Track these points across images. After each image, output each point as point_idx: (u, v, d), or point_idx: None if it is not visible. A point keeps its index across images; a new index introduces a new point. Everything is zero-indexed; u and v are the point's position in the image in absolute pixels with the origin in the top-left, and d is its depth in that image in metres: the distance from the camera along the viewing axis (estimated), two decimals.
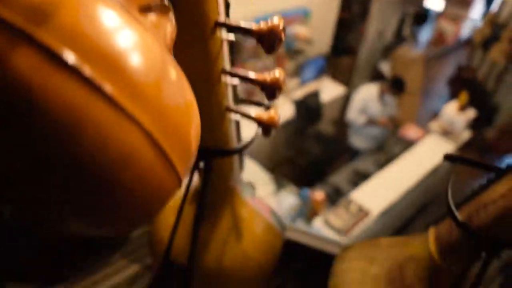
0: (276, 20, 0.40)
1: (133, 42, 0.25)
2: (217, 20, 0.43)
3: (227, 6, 0.46)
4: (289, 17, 2.87)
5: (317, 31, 3.10)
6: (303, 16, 2.94)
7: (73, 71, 0.21)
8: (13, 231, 1.33)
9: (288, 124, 2.99)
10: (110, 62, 0.23)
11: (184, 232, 0.73)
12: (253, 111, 0.52)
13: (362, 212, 2.20)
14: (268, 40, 0.39)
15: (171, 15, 0.35)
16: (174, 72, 0.28)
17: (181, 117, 0.29)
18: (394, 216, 2.35)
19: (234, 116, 0.57)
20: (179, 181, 0.30)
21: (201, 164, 0.63)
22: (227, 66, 0.50)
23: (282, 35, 0.40)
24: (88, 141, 0.22)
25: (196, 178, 0.73)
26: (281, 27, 0.40)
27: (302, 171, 3.04)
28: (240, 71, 0.48)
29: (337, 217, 2.15)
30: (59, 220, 0.26)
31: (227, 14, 0.46)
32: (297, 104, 3.00)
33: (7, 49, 0.20)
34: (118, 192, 0.25)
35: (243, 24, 0.42)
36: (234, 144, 0.64)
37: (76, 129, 0.21)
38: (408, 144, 2.89)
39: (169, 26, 0.34)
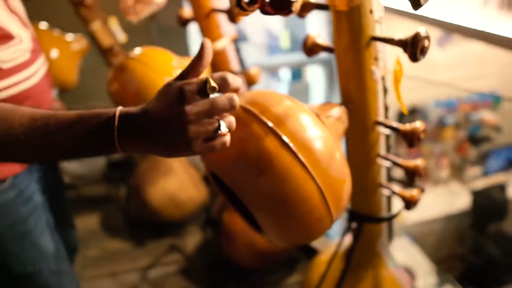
0: (418, 124, 0.61)
1: (319, 136, 0.50)
2: (376, 120, 0.65)
3: (386, 109, 0.68)
4: (476, 102, 2.89)
5: (509, 118, 3.02)
6: (492, 101, 2.93)
7: (290, 149, 0.47)
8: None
9: (463, 215, 2.90)
10: (306, 144, 0.48)
11: (330, 285, 0.93)
12: (399, 188, 0.72)
13: None
14: (409, 138, 0.60)
15: (345, 117, 0.60)
16: (339, 156, 0.52)
17: (339, 183, 0.52)
18: None
19: (384, 191, 0.78)
20: (331, 222, 0.53)
21: (354, 225, 0.84)
22: (382, 151, 0.71)
23: (421, 136, 0.60)
24: (291, 185, 0.47)
25: (348, 238, 0.93)
26: (421, 129, 0.60)
27: (474, 271, 2.87)
28: (391, 157, 0.69)
29: None
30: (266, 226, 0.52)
31: (386, 114, 0.69)
32: (476, 195, 2.91)
33: (263, 136, 0.47)
34: (298, 216, 0.49)
35: (394, 124, 0.64)
36: (383, 214, 0.83)
37: (286, 179, 0.47)
38: None
39: (341, 125, 0.58)
